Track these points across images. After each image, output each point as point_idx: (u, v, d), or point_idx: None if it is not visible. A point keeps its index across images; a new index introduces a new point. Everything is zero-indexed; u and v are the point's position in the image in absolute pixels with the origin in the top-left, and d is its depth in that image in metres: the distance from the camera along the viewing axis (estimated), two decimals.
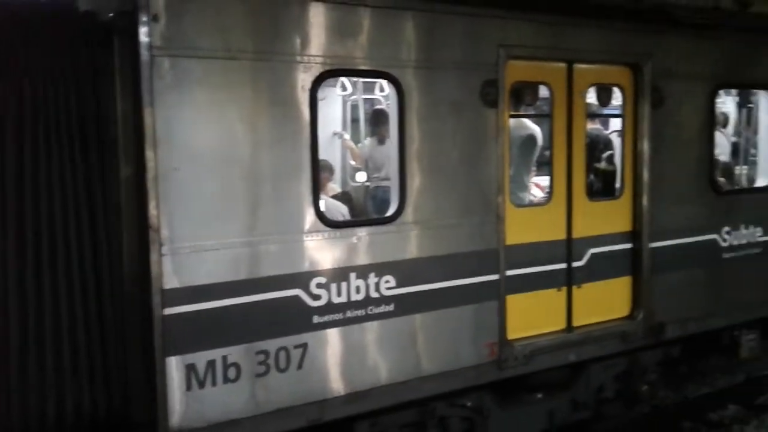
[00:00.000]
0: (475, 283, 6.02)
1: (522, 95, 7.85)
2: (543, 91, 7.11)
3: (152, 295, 4.72)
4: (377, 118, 9.45)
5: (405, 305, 5.68)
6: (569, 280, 6.69)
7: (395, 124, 5.70)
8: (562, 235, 6.65)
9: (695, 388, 9.40)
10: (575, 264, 6.71)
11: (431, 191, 5.79)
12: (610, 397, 7.31)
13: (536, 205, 7.54)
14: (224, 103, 4.91)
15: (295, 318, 5.23)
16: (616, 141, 8.02)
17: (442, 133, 5.83)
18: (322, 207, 5.54)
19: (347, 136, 10.16)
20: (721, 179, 8.48)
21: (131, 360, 5.20)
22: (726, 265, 7.76)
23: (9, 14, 4.98)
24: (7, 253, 4.87)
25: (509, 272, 6.23)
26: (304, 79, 5.17)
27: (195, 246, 4.83)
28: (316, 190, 5.30)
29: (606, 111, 8.49)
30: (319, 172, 5.36)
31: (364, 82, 9.91)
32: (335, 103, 10.22)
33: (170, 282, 4.76)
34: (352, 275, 5.45)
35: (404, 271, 5.67)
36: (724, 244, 7.73)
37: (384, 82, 5.92)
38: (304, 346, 5.27)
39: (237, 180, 4.99)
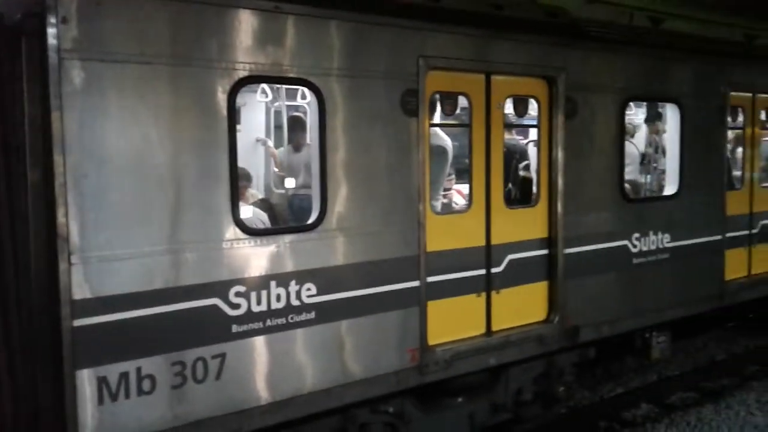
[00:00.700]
0: (396, 290, 6.06)
1: (442, 105, 8.02)
2: (463, 102, 7.27)
3: (61, 306, 4.55)
4: (293, 126, 9.42)
5: (326, 313, 5.67)
6: (488, 285, 6.83)
7: (316, 132, 5.69)
8: (481, 242, 6.78)
9: (610, 388, 9.77)
10: (494, 270, 6.85)
11: (352, 199, 5.80)
12: (528, 399, 7.47)
13: (456, 212, 7.69)
14: (138, 108, 4.78)
15: (213, 328, 5.14)
16: (533, 150, 8.26)
17: (363, 141, 5.86)
18: (241, 215, 5.48)
19: (271, 143, 10.09)
20: (629, 187, 8.82)
21: (41, 374, 4.98)
22: (636, 270, 8.04)
23: None
24: None
25: (430, 279, 6.29)
26: (222, 86, 5.11)
27: (107, 255, 4.68)
28: (235, 198, 5.23)
29: (523, 121, 8.75)
30: (237, 179, 5.29)
31: (287, 89, 9.88)
32: (259, 110, 10.15)
33: (80, 292, 4.60)
34: (273, 283, 5.40)
35: (325, 279, 5.65)
36: (634, 250, 8.00)
37: (306, 90, 5.90)
38: (222, 356, 5.18)
39: (151, 188, 4.87)
